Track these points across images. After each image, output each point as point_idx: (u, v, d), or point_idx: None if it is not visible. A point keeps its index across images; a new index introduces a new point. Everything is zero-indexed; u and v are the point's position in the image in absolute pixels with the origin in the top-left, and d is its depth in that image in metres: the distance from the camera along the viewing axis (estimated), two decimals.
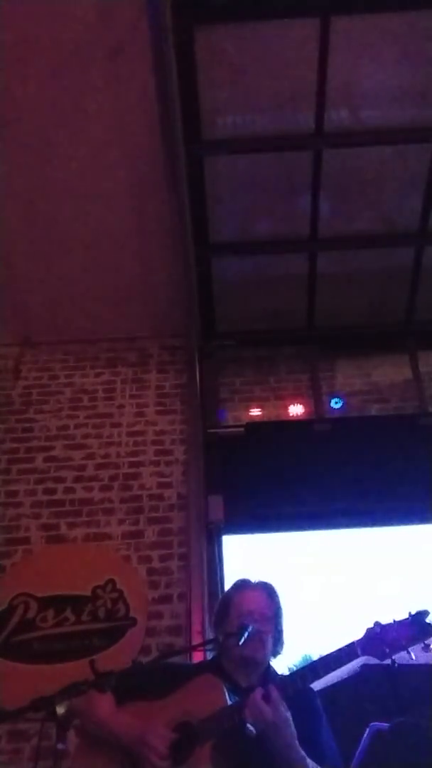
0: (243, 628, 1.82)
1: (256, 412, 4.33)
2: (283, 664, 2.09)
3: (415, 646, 1.67)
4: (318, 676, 1.71)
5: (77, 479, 3.91)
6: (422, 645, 1.67)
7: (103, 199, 3.74)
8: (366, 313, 4.43)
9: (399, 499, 3.72)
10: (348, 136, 3.57)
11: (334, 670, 1.72)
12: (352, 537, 3.84)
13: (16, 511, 3.80)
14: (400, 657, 1.69)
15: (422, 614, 1.70)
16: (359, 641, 1.72)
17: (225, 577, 3.59)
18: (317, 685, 1.82)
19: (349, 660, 1.71)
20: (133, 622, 3.39)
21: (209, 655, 2.56)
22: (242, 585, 2.09)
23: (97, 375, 4.40)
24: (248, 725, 1.65)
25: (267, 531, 3.84)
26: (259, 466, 3.90)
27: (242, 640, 1.79)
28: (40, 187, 3.66)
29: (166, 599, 3.48)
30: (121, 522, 3.74)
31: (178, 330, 4.39)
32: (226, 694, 1.73)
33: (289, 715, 1.63)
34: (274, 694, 1.63)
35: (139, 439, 4.08)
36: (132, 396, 4.29)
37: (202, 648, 2.74)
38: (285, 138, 3.55)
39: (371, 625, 1.73)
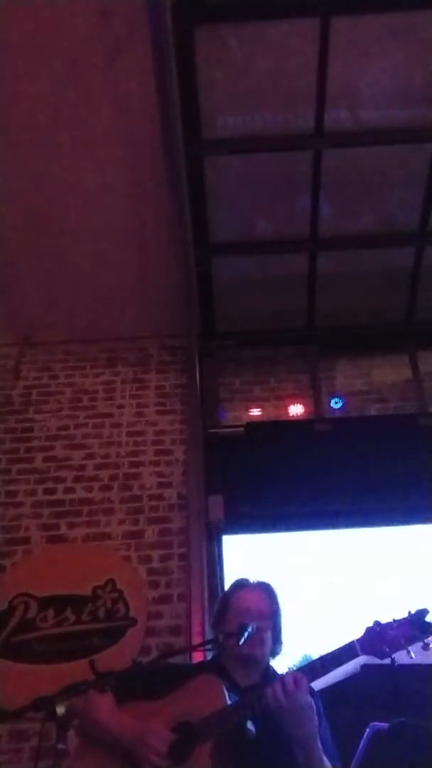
0: (243, 628, 1.82)
1: (256, 412, 4.33)
2: (283, 664, 2.09)
3: (414, 645, 1.68)
4: (318, 676, 1.72)
5: (77, 479, 3.91)
6: (422, 644, 1.67)
7: (103, 199, 3.74)
8: (366, 313, 4.43)
9: (399, 499, 3.72)
10: (348, 136, 3.56)
11: (333, 669, 1.72)
12: (352, 537, 3.84)
13: (16, 511, 3.80)
14: (400, 657, 1.69)
15: (421, 613, 1.70)
16: (359, 640, 1.72)
17: (225, 577, 3.59)
18: (317, 685, 1.81)
19: (349, 659, 1.71)
20: (133, 622, 3.39)
21: (209, 655, 2.56)
22: (241, 585, 2.10)
23: (97, 375, 4.40)
24: (248, 725, 1.66)
25: (267, 531, 3.83)
26: (259, 466, 3.90)
27: (242, 640, 1.80)
28: (40, 186, 3.65)
29: (166, 599, 3.48)
30: (121, 522, 3.74)
31: (178, 330, 4.39)
32: (226, 693, 1.73)
33: (312, 703, 1.64)
34: (304, 681, 1.65)
35: (139, 439, 4.08)
36: (132, 396, 4.29)
37: (202, 648, 2.74)
38: (285, 138, 3.55)
39: (371, 624, 1.73)
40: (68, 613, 3.41)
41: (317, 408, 4.27)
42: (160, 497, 3.83)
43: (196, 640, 3.20)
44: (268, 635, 1.95)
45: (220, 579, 3.57)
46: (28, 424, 4.16)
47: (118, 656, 3.24)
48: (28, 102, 3.29)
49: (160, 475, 3.92)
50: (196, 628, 3.28)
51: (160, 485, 3.88)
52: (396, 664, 1.68)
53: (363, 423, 4.21)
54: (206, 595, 3.41)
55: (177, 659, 2.60)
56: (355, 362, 4.49)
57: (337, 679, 2.51)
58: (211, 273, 4.15)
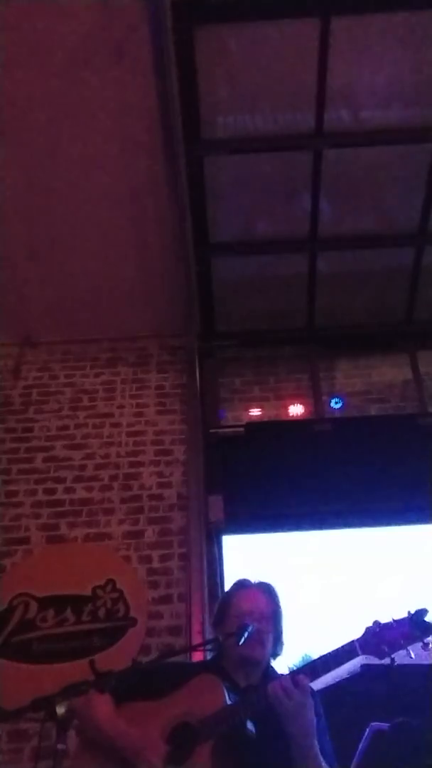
0: (243, 628, 1.82)
1: (256, 412, 4.34)
2: (283, 664, 2.09)
3: (414, 645, 1.68)
4: (317, 675, 1.71)
5: (77, 479, 3.91)
6: (421, 644, 1.67)
7: (103, 199, 3.74)
8: (366, 313, 4.43)
9: (399, 499, 3.72)
10: (348, 136, 3.57)
11: (333, 669, 1.72)
12: (352, 537, 3.84)
13: (16, 511, 3.80)
14: (400, 656, 1.69)
15: (421, 613, 1.70)
16: (358, 640, 1.72)
17: (225, 577, 3.59)
18: (317, 685, 1.81)
19: (349, 659, 1.71)
20: (133, 622, 3.39)
21: (209, 655, 2.56)
22: (242, 585, 2.09)
23: (97, 375, 4.40)
24: (248, 725, 1.65)
25: (267, 531, 3.84)
26: (259, 466, 3.90)
27: (242, 640, 1.79)
28: (40, 186, 3.66)
29: (166, 599, 3.48)
30: (121, 522, 3.74)
31: (178, 330, 4.39)
32: (226, 693, 1.73)
33: (311, 703, 1.65)
34: (305, 682, 1.66)
35: (139, 439, 4.08)
36: (132, 396, 4.29)
37: (202, 648, 2.75)
38: (285, 138, 3.55)
39: (370, 624, 1.73)
40: (68, 613, 3.41)
41: (317, 408, 4.27)
42: (160, 497, 3.83)
43: (196, 640, 3.21)
44: (269, 636, 1.95)
45: (220, 579, 3.58)
46: (28, 424, 4.16)
47: (118, 656, 3.24)
48: (28, 102, 3.29)
49: (160, 475, 3.92)
50: (196, 628, 3.28)
51: (160, 485, 3.88)
52: (395, 663, 1.68)
53: (363, 423, 4.21)
54: (206, 595, 3.41)
55: (177, 658, 2.60)
56: (355, 362, 4.49)
57: (337, 679, 2.51)
58: (211, 273, 4.15)
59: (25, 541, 3.70)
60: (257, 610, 1.95)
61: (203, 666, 2.11)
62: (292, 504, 3.76)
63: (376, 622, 1.73)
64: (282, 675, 1.76)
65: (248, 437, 4.06)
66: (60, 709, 1.52)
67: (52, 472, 3.95)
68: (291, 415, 4.28)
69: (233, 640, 1.81)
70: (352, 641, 1.72)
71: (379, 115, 3.51)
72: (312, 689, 1.78)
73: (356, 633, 1.74)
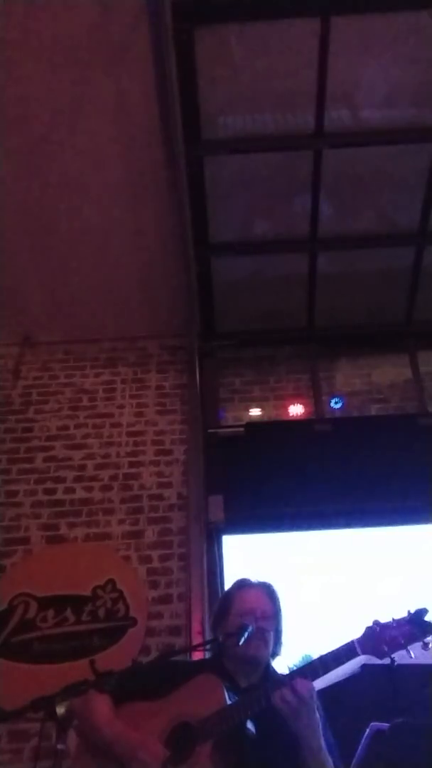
0: (243, 628, 1.82)
1: (256, 412, 4.34)
2: (283, 664, 2.09)
3: (414, 645, 1.67)
4: (317, 675, 1.71)
5: (77, 479, 3.91)
6: (421, 644, 1.67)
7: (103, 199, 3.74)
8: (366, 312, 4.43)
9: (399, 499, 3.72)
10: (348, 136, 3.56)
11: (333, 668, 1.72)
12: (352, 537, 3.84)
13: (16, 511, 3.80)
14: (400, 656, 1.69)
15: (421, 612, 1.70)
16: (358, 640, 1.72)
17: (225, 577, 3.59)
18: (317, 685, 1.81)
19: (349, 659, 1.71)
20: (133, 622, 3.39)
21: (209, 655, 2.56)
22: (242, 584, 2.09)
23: (97, 375, 4.41)
24: (248, 725, 1.66)
25: (267, 531, 3.83)
26: (259, 466, 3.90)
27: (242, 640, 1.79)
28: (40, 187, 3.66)
29: (166, 599, 3.48)
30: (121, 522, 3.74)
31: (178, 330, 4.39)
32: (226, 693, 1.73)
33: (317, 704, 1.66)
34: (311, 687, 1.66)
35: (139, 439, 4.08)
36: (132, 396, 4.29)
37: (202, 648, 2.74)
38: (285, 138, 3.55)
39: (370, 624, 1.73)
40: (68, 613, 3.41)
41: (317, 408, 4.27)
42: (160, 497, 3.83)
43: (196, 640, 3.21)
44: (271, 637, 1.94)
45: (220, 579, 3.57)
46: (28, 424, 4.17)
47: (118, 656, 3.24)
48: (28, 102, 3.29)
49: (160, 475, 3.92)
50: (196, 628, 3.28)
51: (160, 485, 3.88)
52: (395, 663, 1.68)
53: (363, 423, 4.21)
54: (206, 595, 3.41)
55: (177, 658, 2.59)
56: (355, 362, 4.49)
57: (337, 679, 2.51)
58: (211, 273, 4.15)
59: (25, 541, 3.70)
60: (258, 610, 1.95)
61: (203, 666, 2.10)
62: (292, 504, 3.76)
63: (376, 622, 1.73)
64: (283, 676, 1.76)
65: (248, 437, 4.06)
66: (60, 709, 1.52)
67: (52, 472, 3.95)
68: (291, 415, 4.28)
69: (233, 640, 1.81)
70: (352, 641, 1.72)
71: (379, 115, 3.51)
72: (314, 687, 1.78)
73: (356, 633, 1.74)
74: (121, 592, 3.47)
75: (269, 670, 1.94)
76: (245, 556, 3.81)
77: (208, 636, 3.08)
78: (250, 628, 1.82)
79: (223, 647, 1.94)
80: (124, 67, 3.16)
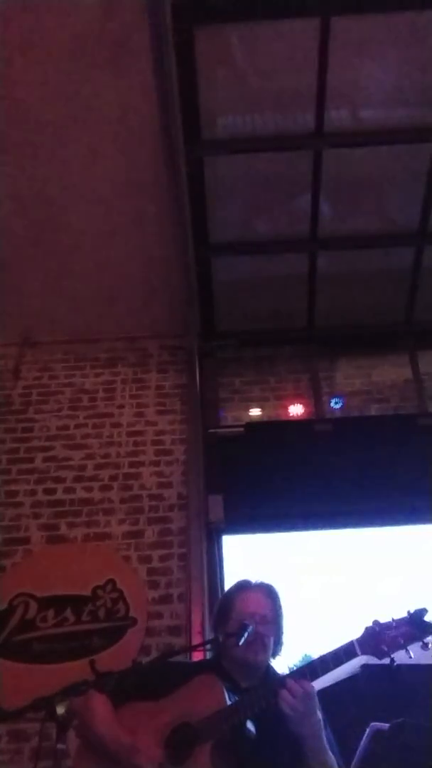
0: (243, 629, 1.82)
1: (256, 412, 4.33)
2: (283, 664, 2.09)
3: (413, 645, 1.68)
4: (317, 675, 1.72)
5: (77, 479, 3.91)
6: (421, 644, 1.67)
7: (102, 199, 3.74)
8: (366, 313, 4.42)
9: (399, 499, 3.72)
10: (348, 136, 3.56)
11: (333, 669, 1.72)
12: (352, 537, 3.84)
13: (16, 511, 3.80)
14: (400, 656, 1.69)
15: (420, 613, 1.70)
16: (358, 640, 1.72)
17: (225, 577, 3.59)
18: (317, 685, 1.81)
19: (348, 659, 1.71)
20: (133, 622, 3.39)
21: (209, 655, 2.56)
22: (243, 586, 2.09)
23: (97, 375, 4.40)
24: (248, 726, 1.66)
25: (267, 531, 3.84)
26: (259, 466, 3.90)
27: (242, 640, 1.79)
28: (39, 187, 3.66)
29: (166, 599, 3.48)
30: (121, 522, 3.74)
31: (178, 330, 4.39)
32: (226, 694, 1.73)
33: (318, 705, 1.67)
34: (312, 688, 1.67)
35: (139, 439, 4.08)
36: (132, 396, 4.29)
37: (202, 648, 2.74)
38: (285, 138, 3.55)
39: (370, 624, 1.73)
40: (68, 613, 3.41)
41: (317, 408, 4.27)
42: (160, 497, 3.83)
43: (196, 640, 3.20)
44: (270, 642, 1.94)
45: (220, 579, 3.57)
46: (28, 424, 4.16)
47: (118, 656, 3.23)
48: (28, 102, 3.29)
49: (160, 475, 3.92)
50: (196, 628, 3.28)
51: (160, 485, 3.88)
52: (395, 663, 1.68)
53: (363, 423, 4.21)
54: (206, 595, 3.41)
55: (177, 657, 2.59)
56: (355, 362, 4.49)
57: (337, 679, 2.51)
58: (211, 273, 4.15)
59: (25, 541, 3.70)
60: (258, 612, 1.95)
61: (203, 666, 2.11)
62: (292, 504, 3.76)
63: (375, 622, 1.73)
64: (283, 676, 1.76)
65: (248, 437, 4.06)
66: (60, 709, 1.53)
67: (52, 472, 3.95)
68: (291, 415, 4.28)
69: (233, 640, 1.81)
70: (352, 641, 1.73)
71: (379, 115, 3.50)
72: (314, 687, 1.79)
73: (356, 633, 1.74)
74: (121, 592, 3.47)
75: (269, 671, 1.95)
76: (245, 556, 3.81)
77: (208, 636, 3.09)
78: (250, 629, 1.82)
79: (223, 647, 1.94)
80: (123, 67, 3.16)
